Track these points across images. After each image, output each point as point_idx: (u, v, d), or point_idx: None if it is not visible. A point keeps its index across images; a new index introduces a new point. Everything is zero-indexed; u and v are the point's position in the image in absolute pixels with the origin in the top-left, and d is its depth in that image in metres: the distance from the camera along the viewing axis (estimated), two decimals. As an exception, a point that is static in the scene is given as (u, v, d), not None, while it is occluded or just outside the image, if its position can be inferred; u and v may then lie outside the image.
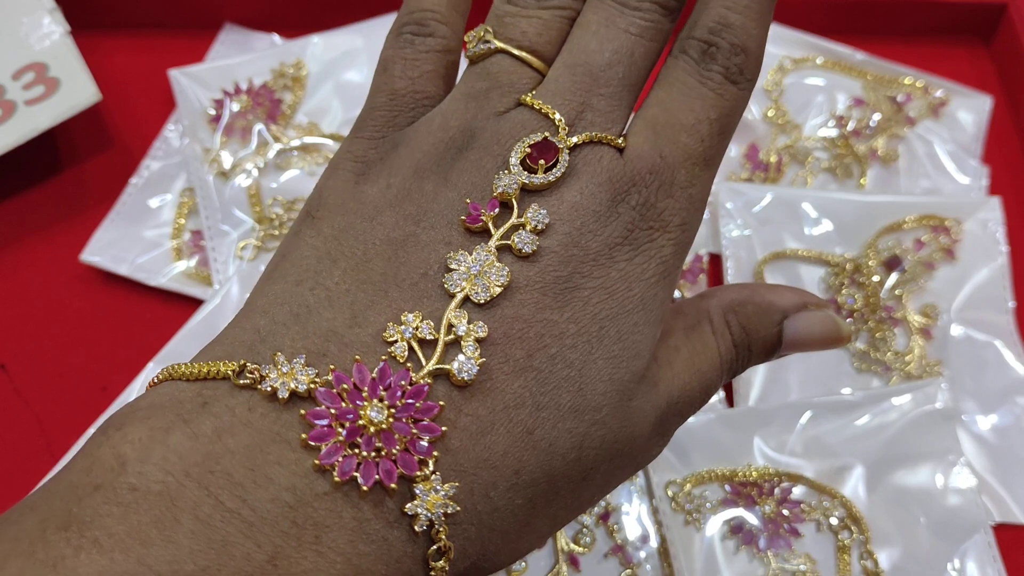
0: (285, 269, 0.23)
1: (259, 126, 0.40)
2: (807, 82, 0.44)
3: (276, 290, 0.23)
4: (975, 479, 0.34)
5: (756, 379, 0.37)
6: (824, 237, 0.39)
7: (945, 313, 0.38)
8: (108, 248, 0.38)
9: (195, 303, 0.37)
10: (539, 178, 0.23)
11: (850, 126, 0.42)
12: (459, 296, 0.22)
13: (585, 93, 0.24)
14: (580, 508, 0.25)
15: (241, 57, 0.42)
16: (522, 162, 0.23)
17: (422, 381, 0.21)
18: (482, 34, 0.26)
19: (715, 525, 0.33)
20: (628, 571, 0.32)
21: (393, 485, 0.19)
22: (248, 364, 0.20)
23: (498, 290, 0.22)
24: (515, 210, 0.23)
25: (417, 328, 0.21)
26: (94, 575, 0.17)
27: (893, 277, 0.38)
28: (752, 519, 0.33)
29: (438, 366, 0.21)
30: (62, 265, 0.38)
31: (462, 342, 0.21)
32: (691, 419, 0.34)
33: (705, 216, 0.40)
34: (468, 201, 0.23)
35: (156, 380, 0.21)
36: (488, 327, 0.22)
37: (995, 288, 0.39)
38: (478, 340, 0.21)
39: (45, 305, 0.38)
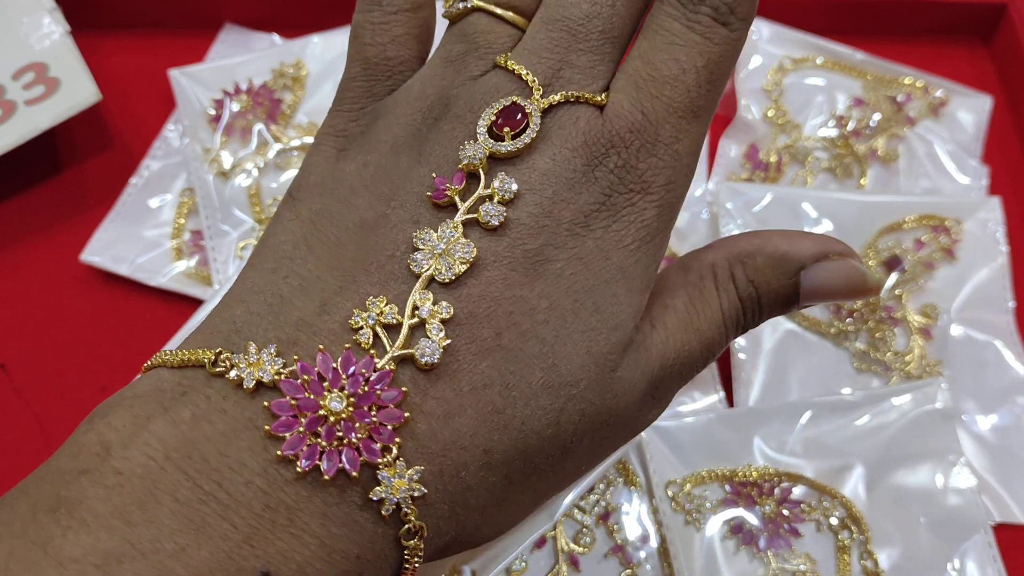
0: (263, 256, 0.23)
1: (259, 126, 0.40)
2: (807, 82, 0.44)
3: (253, 278, 0.23)
4: (975, 479, 0.34)
5: (756, 379, 0.37)
6: (824, 237, 0.39)
7: (945, 313, 0.38)
8: (108, 248, 0.38)
9: (195, 303, 0.37)
10: (506, 146, 0.22)
11: (850, 126, 0.42)
12: (423, 277, 0.21)
13: (563, 50, 0.23)
14: (565, 480, 0.24)
15: (241, 57, 0.42)
16: (489, 130, 0.22)
17: (386, 367, 0.20)
18: None
19: (715, 525, 0.33)
20: (628, 571, 0.32)
21: (355, 473, 0.20)
22: (223, 353, 0.20)
23: (462, 268, 0.21)
24: (483, 181, 0.22)
25: (381, 313, 0.21)
26: (80, 553, 0.18)
27: (893, 277, 0.38)
28: (752, 519, 0.33)
29: (401, 352, 0.21)
30: (62, 265, 0.38)
31: (426, 324, 0.21)
32: (691, 419, 0.34)
33: (705, 216, 0.40)
34: (434, 176, 0.22)
35: (147, 367, 0.22)
36: (454, 307, 0.21)
37: (995, 288, 0.39)
38: (443, 321, 0.21)
39: (45, 305, 0.38)
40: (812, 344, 0.38)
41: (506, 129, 0.22)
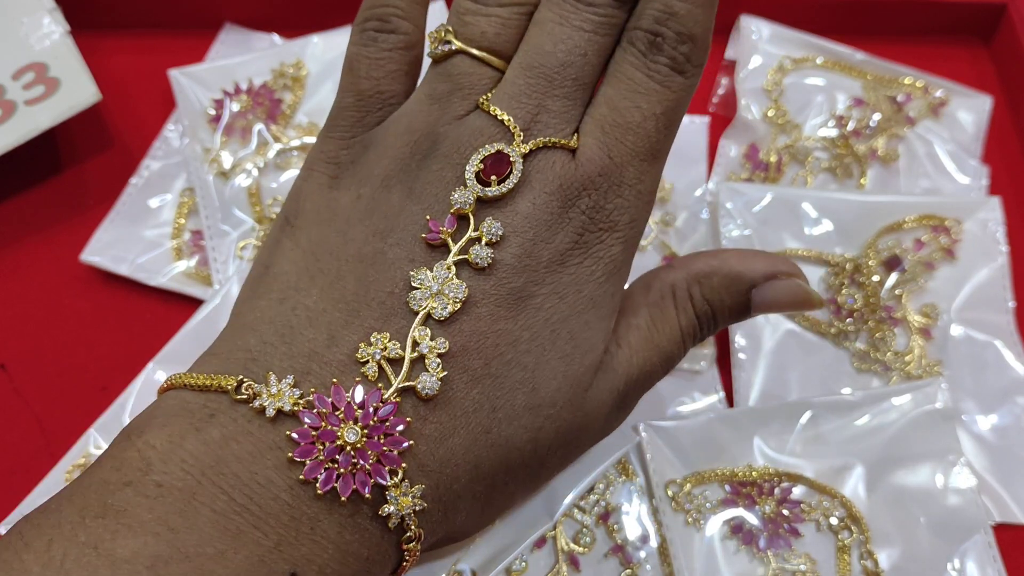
0: (268, 284, 0.26)
1: (259, 126, 0.40)
2: (807, 82, 0.44)
3: (262, 306, 0.25)
4: (975, 479, 0.34)
5: (756, 379, 0.37)
6: (824, 237, 0.40)
7: (945, 313, 0.38)
8: (108, 248, 0.38)
9: (195, 303, 0.37)
10: (493, 191, 0.24)
11: (850, 126, 0.43)
12: (421, 314, 0.24)
13: (540, 95, 0.25)
14: (537, 486, 0.28)
15: (241, 57, 0.42)
16: (477, 176, 0.25)
17: (391, 400, 0.23)
18: (443, 34, 0.27)
19: (715, 525, 0.33)
20: (628, 571, 0.32)
21: (367, 495, 0.22)
22: (245, 380, 0.23)
23: (457, 306, 0.24)
24: (471, 223, 0.24)
25: (385, 349, 0.23)
26: (130, 555, 0.20)
27: (893, 277, 0.39)
28: (752, 519, 0.33)
29: (405, 384, 0.23)
30: (62, 265, 0.38)
31: (426, 359, 0.23)
32: (691, 419, 0.34)
33: (705, 216, 0.40)
34: (428, 218, 0.24)
35: (164, 387, 0.24)
36: (448, 342, 0.24)
37: (995, 288, 0.39)
38: (440, 355, 0.24)
39: (45, 305, 0.38)
40: (812, 344, 0.38)
41: (493, 176, 0.24)
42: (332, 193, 0.26)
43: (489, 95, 0.26)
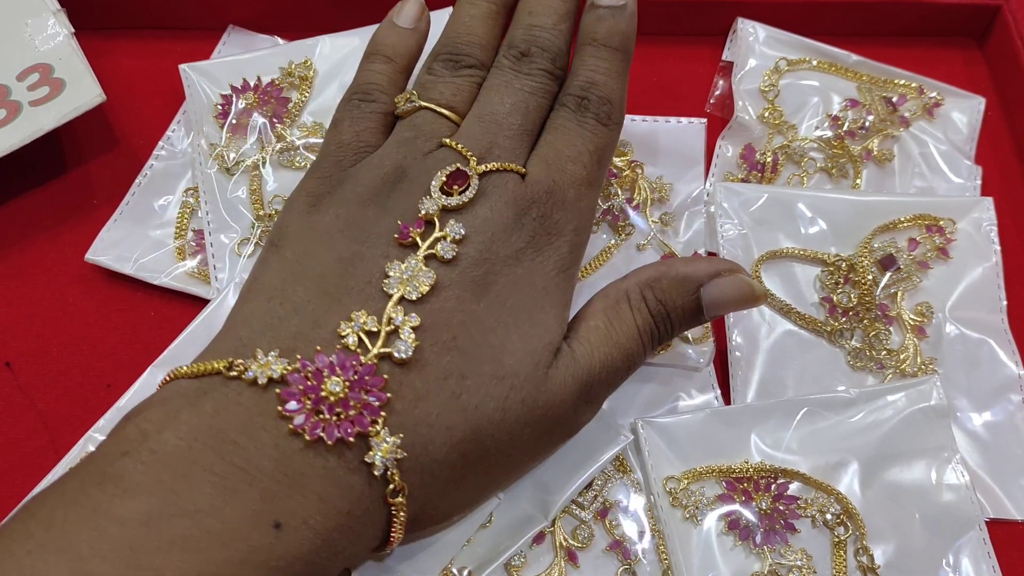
0: (257, 290, 0.29)
1: (264, 124, 0.41)
2: (802, 83, 0.44)
3: (251, 307, 0.28)
4: (969, 475, 0.34)
5: (753, 377, 0.37)
6: (819, 236, 0.40)
7: (939, 311, 0.39)
8: (113, 247, 0.38)
9: (198, 302, 0.38)
10: (454, 199, 0.29)
11: (845, 127, 0.43)
12: (396, 295, 0.27)
13: (492, 135, 0.31)
14: (513, 469, 0.30)
15: (251, 53, 0.42)
16: (441, 188, 0.29)
17: (370, 362, 0.26)
18: (408, 96, 0.32)
19: (712, 520, 0.33)
20: (626, 566, 0.33)
21: (351, 439, 0.25)
22: (234, 360, 0.25)
23: (426, 288, 0.27)
24: (437, 226, 0.28)
25: (364, 323, 0.26)
26: (128, 515, 0.22)
27: (887, 276, 0.39)
28: (749, 515, 0.33)
29: (382, 350, 0.26)
30: (67, 264, 0.39)
31: (400, 330, 0.26)
32: (688, 416, 0.35)
33: (702, 216, 0.40)
34: (400, 223, 0.28)
35: (165, 380, 0.27)
36: (420, 317, 0.27)
37: (988, 287, 0.39)
38: (412, 328, 0.26)
39: (50, 304, 0.38)
40: (808, 342, 0.38)
41: (455, 187, 0.29)
42: (312, 217, 0.30)
43: (450, 137, 0.30)
